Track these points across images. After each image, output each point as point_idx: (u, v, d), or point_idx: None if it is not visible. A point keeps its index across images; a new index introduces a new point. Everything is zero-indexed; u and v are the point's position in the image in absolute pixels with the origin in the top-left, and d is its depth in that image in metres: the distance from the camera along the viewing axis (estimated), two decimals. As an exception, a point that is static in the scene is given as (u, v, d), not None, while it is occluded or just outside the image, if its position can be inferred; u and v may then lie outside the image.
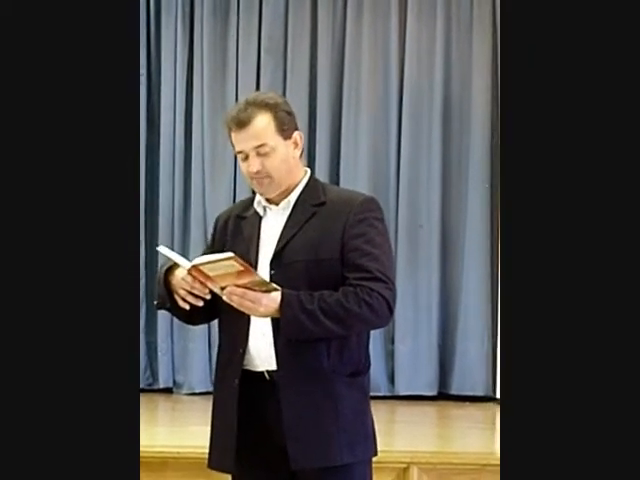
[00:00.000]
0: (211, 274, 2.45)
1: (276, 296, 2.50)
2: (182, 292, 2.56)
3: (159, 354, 6.21)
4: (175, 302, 2.61)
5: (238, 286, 2.47)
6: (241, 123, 2.63)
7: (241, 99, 2.72)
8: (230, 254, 2.42)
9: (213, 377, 2.85)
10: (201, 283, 2.50)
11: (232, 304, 2.49)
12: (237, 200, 5.78)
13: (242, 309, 2.50)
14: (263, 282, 2.50)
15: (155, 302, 2.73)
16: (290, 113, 2.70)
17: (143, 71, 6.26)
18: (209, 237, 2.89)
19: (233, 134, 2.66)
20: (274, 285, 2.52)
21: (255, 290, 2.48)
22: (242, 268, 2.42)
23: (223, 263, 2.41)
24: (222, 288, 2.48)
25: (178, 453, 4.05)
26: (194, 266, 2.46)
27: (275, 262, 2.62)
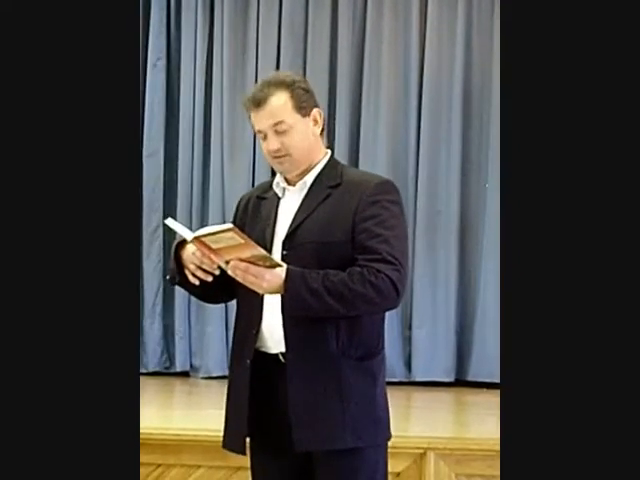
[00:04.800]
0: (214, 247, 2.44)
1: (280, 272, 2.49)
2: (192, 267, 2.57)
3: (176, 338, 6.22)
4: (185, 277, 2.61)
5: (242, 260, 2.46)
6: (258, 102, 2.63)
7: (259, 80, 2.72)
8: (229, 225, 2.41)
9: (229, 357, 2.85)
10: (208, 257, 2.50)
11: (237, 278, 2.49)
12: (256, 182, 5.79)
13: (246, 284, 2.49)
14: (266, 257, 2.48)
15: (167, 277, 2.75)
16: (308, 90, 2.69)
17: (162, 55, 6.27)
18: (231, 218, 2.88)
19: (252, 114, 2.67)
20: (278, 261, 2.51)
21: (259, 265, 2.47)
22: (242, 241, 2.41)
23: (223, 235, 2.40)
24: (227, 262, 2.48)
25: (194, 436, 4.06)
26: (196, 237, 2.45)
27: (287, 243, 2.62)
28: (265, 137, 2.66)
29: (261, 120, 2.64)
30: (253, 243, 2.44)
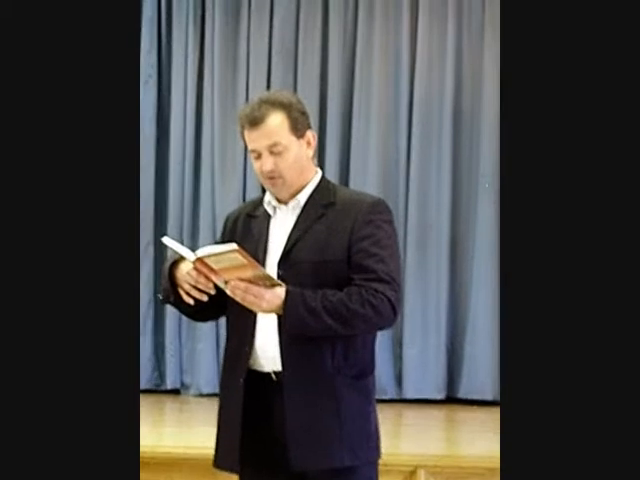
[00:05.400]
0: (215, 267, 2.44)
1: (280, 292, 2.50)
2: (186, 286, 2.55)
3: (167, 355, 6.22)
4: (179, 296, 2.60)
5: (242, 280, 2.46)
6: (255, 121, 2.62)
7: (254, 97, 2.71)
8: (234, 246, 2.40)
9: (220, 375, 2.84)
10: (205, 277, 2.49)
11: (235, 298, 2.49)
12: (247, 199, 5.78)
13: (245, 304, 2.49)
14: (267, 277, 2.48)
15: (160, 296, 2.72)
16: (304, 113, 2.69)
17: (153, 71, 6.28)
18: (219, 236, 2.88)
19: (246, 132, 2.66)
20: (278, 281, 2.51)
21: (259, 285, 2.47)
22: (246, 261, 2.41)
23: (227, 255, 2.40)
24: (226, 282, 2.47)
25: (185, 454, 4.05)
26: (198, 258, 2.44)
27: (283, 262, 2.61)
28: (259, 157, 2.65)
29: (256, 140, 2.64)
30: (256, 263, 2.44)
